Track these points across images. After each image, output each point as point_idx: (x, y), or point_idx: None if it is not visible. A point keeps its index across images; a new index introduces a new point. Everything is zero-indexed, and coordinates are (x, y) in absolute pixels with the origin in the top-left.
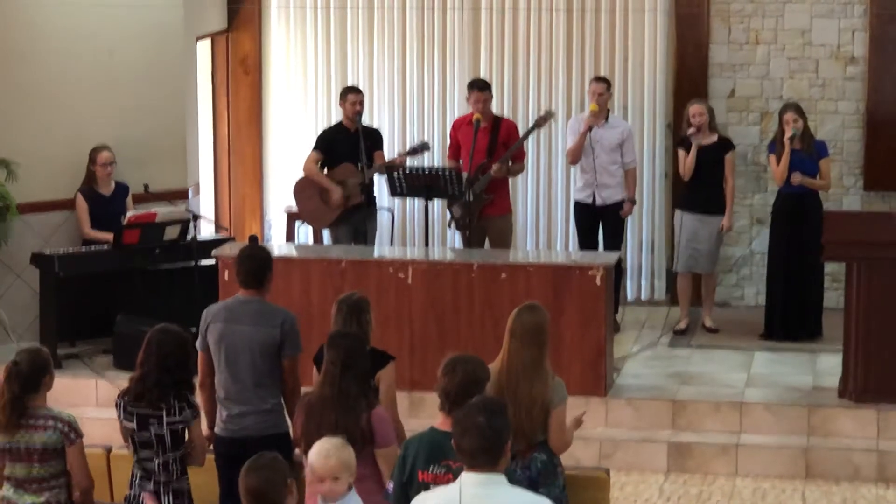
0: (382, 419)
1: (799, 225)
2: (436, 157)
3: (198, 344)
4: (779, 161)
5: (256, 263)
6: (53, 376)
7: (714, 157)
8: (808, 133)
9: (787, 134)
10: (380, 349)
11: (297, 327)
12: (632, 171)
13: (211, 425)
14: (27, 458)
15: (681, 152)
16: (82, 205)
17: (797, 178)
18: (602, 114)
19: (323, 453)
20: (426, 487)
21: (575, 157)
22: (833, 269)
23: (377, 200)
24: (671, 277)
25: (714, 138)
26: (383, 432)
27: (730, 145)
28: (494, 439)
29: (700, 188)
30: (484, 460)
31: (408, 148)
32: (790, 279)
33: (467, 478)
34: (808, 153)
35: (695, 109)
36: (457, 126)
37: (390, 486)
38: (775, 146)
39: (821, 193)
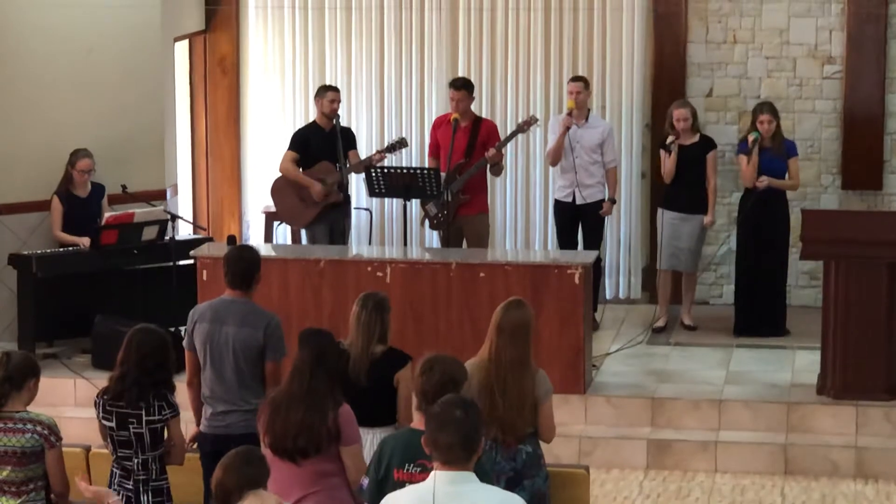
0: (348, 417)
1: (765, 224)
2: (413, 156)
3: (185, 343)
4: (749, 162)
5: (244, 265)
6: (38, 382)
7: (696, 156)
8: (779, 133)
9: (751, 138)
10: (397, 348)
11: (281, 331)
12: (613, 171)
13: (198, 423)
14: (4, 461)
15: (664, 153)
16: (57, 207)
17: (764, 181)
18: (581, 113)
19: None
20: (401, 486)
21: (555, 158)
22: (811, 267)
23: (352, 198)
24: (647, 276)
25: (696, 138)
26: (349, 431)
27: (712, 144)
28: (472, 434)
29: (682, 187)
30: (460, 455)
31: (386, 145)
32: (757, 277)
33: (440, 476)
34: (778, 153)
35: (679, 114)
36: (437, 125)
37: (365, 481)
38: (745, 146)
39: (791, 193)
